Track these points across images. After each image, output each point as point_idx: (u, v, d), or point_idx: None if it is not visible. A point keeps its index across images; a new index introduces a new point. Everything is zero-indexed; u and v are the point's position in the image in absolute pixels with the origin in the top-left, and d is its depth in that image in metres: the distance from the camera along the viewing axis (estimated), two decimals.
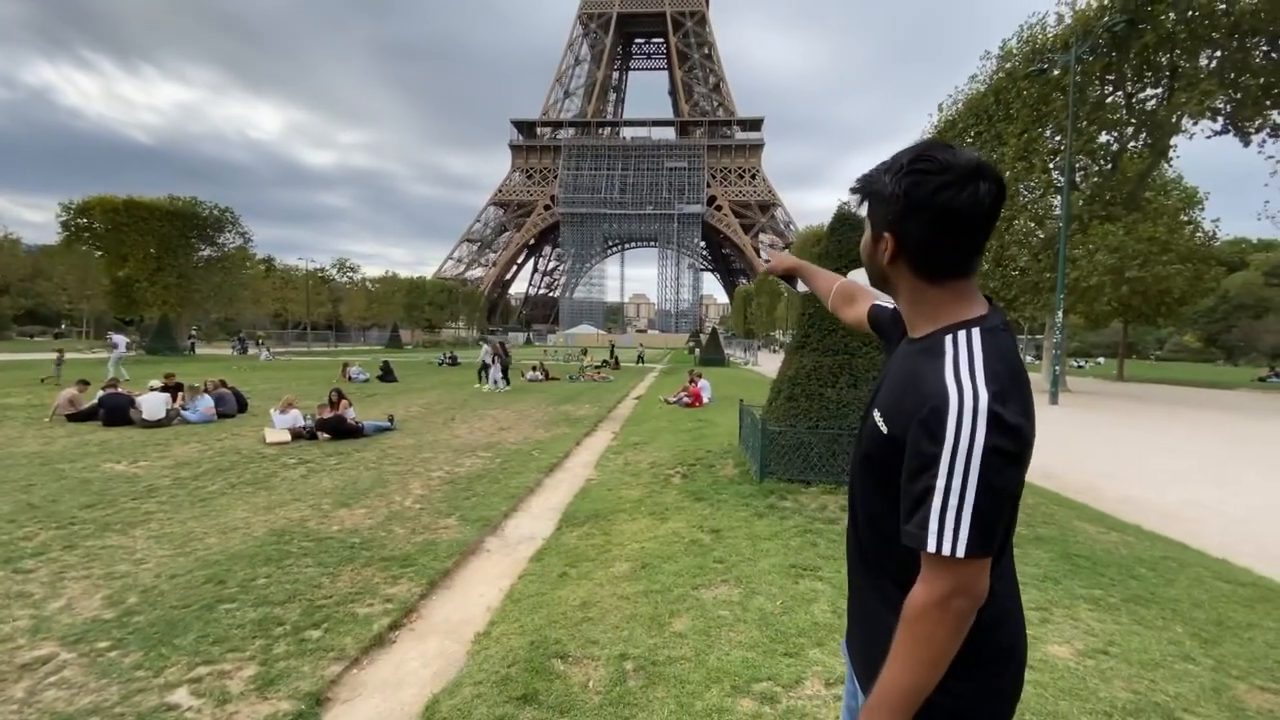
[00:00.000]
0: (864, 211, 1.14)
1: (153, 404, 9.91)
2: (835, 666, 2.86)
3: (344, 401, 9.65)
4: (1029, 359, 40.96)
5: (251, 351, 36.92)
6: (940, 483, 0.91)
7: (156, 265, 36.60)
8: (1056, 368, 18.24)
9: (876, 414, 1.07)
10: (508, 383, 17.33)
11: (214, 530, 4.90)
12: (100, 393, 10.49)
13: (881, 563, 1.09)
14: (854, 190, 1.15)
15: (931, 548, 0.91)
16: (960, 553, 0.90)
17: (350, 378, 19.34)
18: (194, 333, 33.99)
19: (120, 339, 20.74)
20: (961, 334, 1.01)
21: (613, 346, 38.03)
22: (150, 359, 29.60)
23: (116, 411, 9.87)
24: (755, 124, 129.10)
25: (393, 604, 3.66)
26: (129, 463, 7.30)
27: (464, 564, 4.51)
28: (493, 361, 17.05)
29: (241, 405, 11.58)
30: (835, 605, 3.49)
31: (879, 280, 1.16)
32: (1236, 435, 11.99)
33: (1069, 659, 3.04)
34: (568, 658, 3.02)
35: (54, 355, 19.63)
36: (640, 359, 36.23)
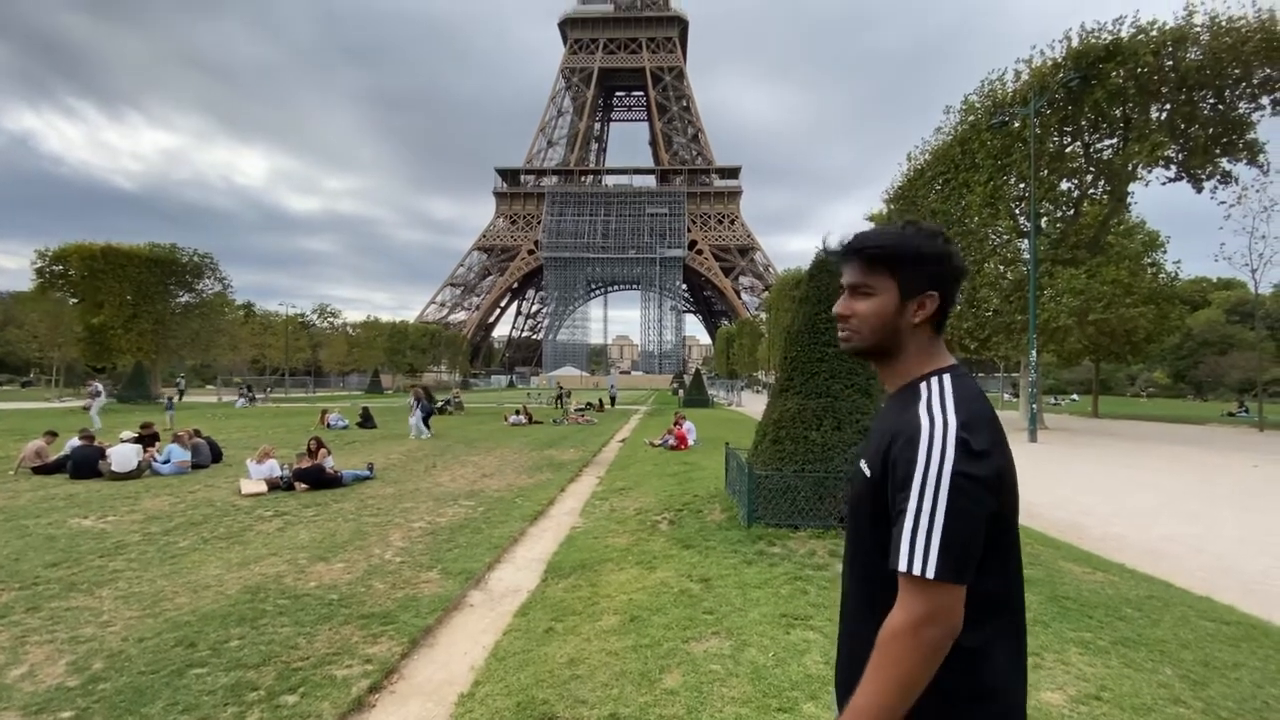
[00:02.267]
0: (861, 275, 1.17)
1: (123, 456, 9.63)
2: None
3: (323, 450, 9.48)
4: (1006, 396, 41.60)
5: (259, 398, 36.07)
6: (912, 505, 0.97)
7: (133, 312, 36.10)
8: (1033, 405, 18.56)
9: (863, 463, 1.15)
10: (428, 430, 16.65)
11: (185, 589, 4.72)
12: (74, 442, 10.19)
13: (873, 607, 1.10)
14: (873, 251, 1.15)
15: (903, 567, 0.95)
16: (930, 573, 0.93)
17: (329, 424, 19.02)
18: (181, 380, 33.23)
19: (98, 386, 20.57)
20: (934, 379, 1.12)
21: (612, 388, 37.49)
22: (122, 407, 28.87)
23: (85, 464, 9.57)
24: (733, 172, 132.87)
25: (372, 664, 3.53)
26: (97, 518, 7.05)
27: (447, 620, 4.38)
28: (414, 407, 16.66)
29: (216, 455, 11.29)
30: (827, 655, 3.45)
31: (888, 343, 1.17)
32: (1210, 469, 12.22)
33: (1063, 706, 3.02)
34: (556, 719, 2.93)
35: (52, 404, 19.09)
36: (604, 403, 31.62)
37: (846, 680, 1.16)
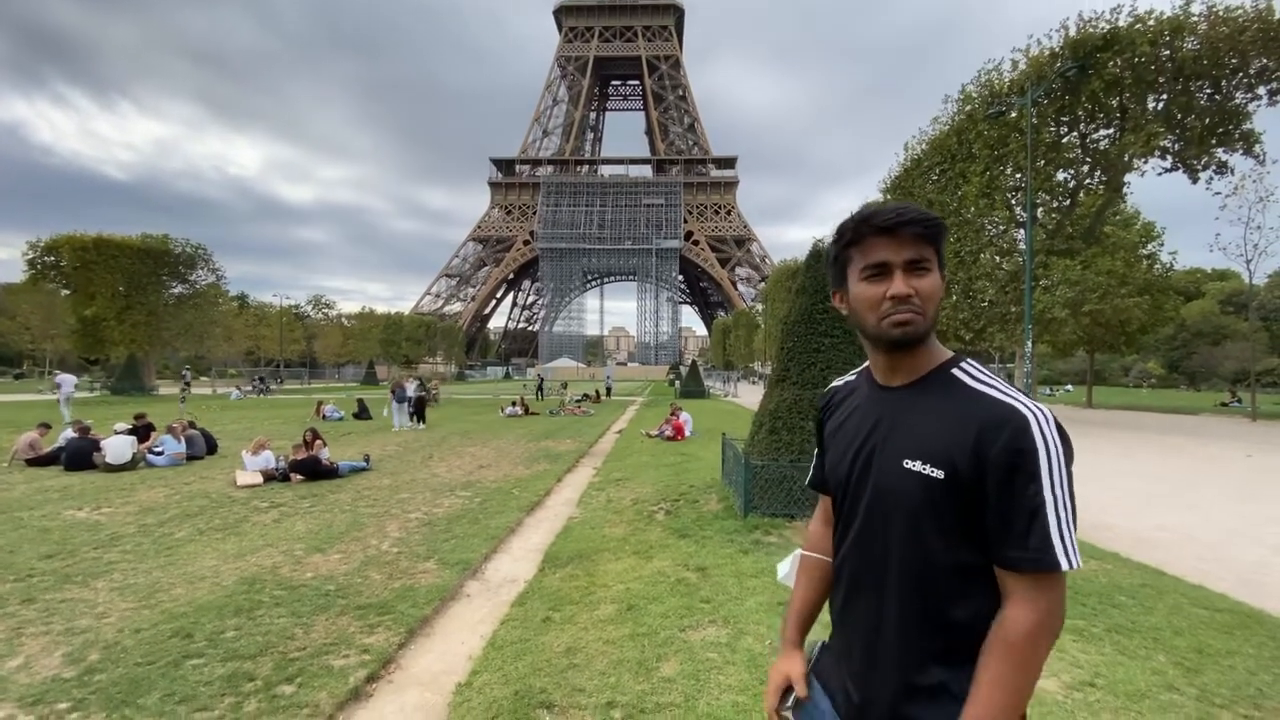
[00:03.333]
0: (918, 249, 1.06)
1: (117, 447, 9.58)
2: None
3: (318, 441, 9.45)
4: None
5: (272, 388, 35.93)
6: (1048, 498, 0.94)
7: (125, 304, 35.83)
8: None
9: (916, 464, 1.03)
10: (410, 422, 16.80)
11: (180, 580, 4.71)
12: (67, 434, 10.13)
13: (931, 619, 1.04)
14: (934, 224, 1.07)
15: (1064, 564, 0.93)
16: (1077, 564, 0.94)
17: (325, 416, 18.96)
18: (187, 372, 32.97)
19: (67, 378, 19.27)
20: (965, 364, 1.08)
21: (608, 379, 37.69)
22: (116, 399, 28.74)
23: (79, 456, 9.52)
24: (730, 162, 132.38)
25: (370, 655, 3.53)
26: (91, 509, 7.02)
27: (444, 610, 4.38)
28: (392, 398, 16.84)
29: (211, 447, 11.25)
30: None
31: (928, 329, 1.09)
32: (1202, 459, 12.31)
33: (1057, 693, 3.04)
34: (553, 707, 2.94)
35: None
36: (600, 394, 30.91)
37: (868, 679, 1.10)
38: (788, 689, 1.25)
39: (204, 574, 4.84)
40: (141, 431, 11.29)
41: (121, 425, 10.85)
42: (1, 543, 5.63)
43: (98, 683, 3.16)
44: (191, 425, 11.32)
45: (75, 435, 9.99)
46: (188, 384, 30.46)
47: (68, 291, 36.82)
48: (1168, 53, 18.27)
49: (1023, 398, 1.00)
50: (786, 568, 1.51)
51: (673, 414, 14.77)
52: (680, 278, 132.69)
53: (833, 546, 1.26)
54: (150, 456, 10.04)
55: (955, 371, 1.06)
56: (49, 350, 45.73)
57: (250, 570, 4.93)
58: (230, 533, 6.08)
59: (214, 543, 5.72)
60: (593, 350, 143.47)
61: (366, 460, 10.03)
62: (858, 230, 1.08)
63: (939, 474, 1.00)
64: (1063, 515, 0.94)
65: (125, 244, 35.95)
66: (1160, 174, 20.59)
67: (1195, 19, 18.15)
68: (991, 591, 1.00)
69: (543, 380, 30.47)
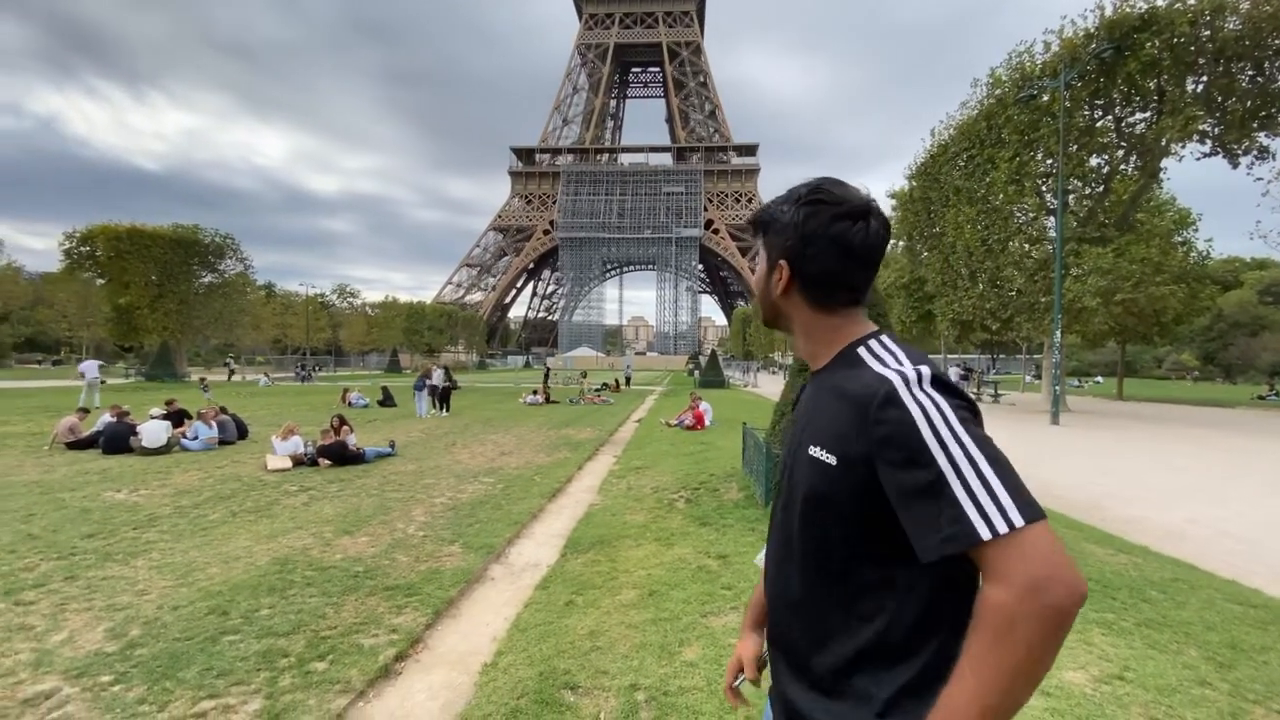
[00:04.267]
0: (759, 244, 1.12)
1: (153, 432, 9.87)
2: None
3: (345, 427, 9.63)
4: (1028, 378, 40.99)
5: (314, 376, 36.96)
6: (943, 465, 0.82)
7: (158, 292, 36.77)
8: (1056, 388, 18.28)
9: (814, 449, 0.97)
10: (435, 409, 17.31)
11: (216, 560, 4.86)
12: (106, 418, 10.46)
13: (838, 615, 0.97)
14: (751, 222, 1.13)
15: (984, 533, 0.78)
16: (1017, 519, 0.78)
17: (350, 403, 19.30)
18: (231, 359, 33.97)
19: (90, 365, 19.27)
20: (872, 341, 1.02)
21: (627, 368, 37.85)
22: (150, 385, 29.55)
23: (116, 439, 9.83)
24: (751, 149, 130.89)
25: (398, 634, 3.62)
26: (129, 491, 7.25)
27: (469, 593, 4.46)
28: (417, 387, 17.32)
29: (242, 432, 11.54)
30: None
31: (771, 315, 1.14)
32: (1237, 453, 11.97)
33: (1085, 685, 3.01)
34: (578, 689, 2.98)
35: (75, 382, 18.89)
36: (619, 383, 30.89)
37: (790, 646, 1.05)
38: (739, 670, 1.29)
39: (238, 554, 4.99)
40: (175, 417, 11.62)
41: (157, 410, 11.17)
42: (45, 523, 5.85)
43: (139, 657, 3.29)
44: (223, 411, 11.61)
45: (113, 419, 10.31)
46: (232, 372, 31.46)
47: (102, 281, 37.86)
48: (1208, 33, 17.60)
49: (899, 365, 0.93)
50: (762, 554, 1.48)
51: (693, 403, 14.77)
52: (700, 267, 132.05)
53: None
54: (184, 441, 10.33)
55: (860, 350, 1.01)
56: (85, 338, 47.11)
57: (282, 551, 5.07)
58: (262, 515, 6.24)
59: (247, 524, 5.89)
60: (612, 339, 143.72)
61: (392, 446, 10.21)
62: None
63: (832, 460, 0.93)
64: (970, 477, 0.81)
65: (158, 234, 36.83)
66: (1199, 159, 19.91)
67: None
68: (911, 596, 0.90)
69: (549, 370, 30.51)
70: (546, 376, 28.16)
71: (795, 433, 1.09)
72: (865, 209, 1.01)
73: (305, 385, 30.90)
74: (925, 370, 0.89)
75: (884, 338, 1.02)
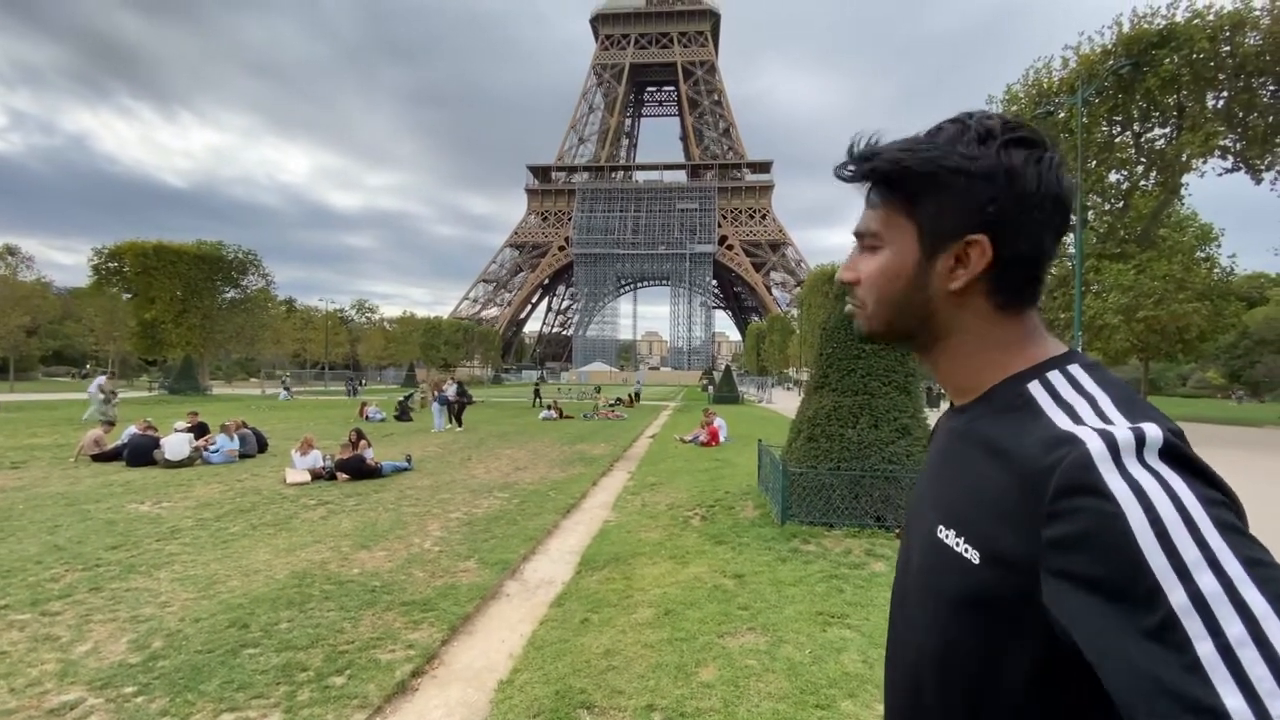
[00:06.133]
0: (884, 212, 0.71)
1: (176, 444, 10.04)
2: (868, 719, 2.79)
3: (363, 442, 9.72)
4: None
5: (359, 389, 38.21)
6: (1182, 603, 0.46)
7: (182, 307, 37.60)
8: None
9: (945, 533, 0.67)
10: (449, 424, 17.44)
11: (236, 572, 4.91)
12: (130, 431, 10.67)
13: None
14: (888, 174, 0.70)
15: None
16: None
17: (368, 417, 19.48)
18: (287, 376, 35.11)
19: (96, 383, 18.00)
20: (1055, 374, 0.66)
21: (638, 384, 37.99)
22: (173, 399, 30.06)
23: (140, 452, 10.01)
24: (765, 166, 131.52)
25: (415, 650, 3.63)
26: (153, 503, 7.37)
27: (484, 609, 4.47)
28: (439, 402, 17.43)
29: (262, 445, 11.69)
30: (865, 654, 3.41)
31: (911, 323, 0.73)
32: (1264, 474, 11.65)
33: None
34: (594, 708, 2.97)
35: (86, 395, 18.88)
36: (631, 399, 30.07)
37: None
38: None
39: (258, 567, 5.04)
40: (197, 430, 11.81)
41: (180, 424, 11.37)
42: (70, 534, 5.96)
43: (161, 669, 3.33)
44: (244, 424, 11.78)
45: (139, 433, 10.50)
46: (287, 389, 33.24)
47: (129, 296, 38.76)
48: (1228, 48, 17.51)
49: (1110, 419, 0.57)
50: None
51: (707, 419, 14.72)
52: (714, 282, 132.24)
53: None
54: (206, 453, 10.49)
55: (1033, 387, 0.65)
56: (111, 351, 48.08)
57: (301, 565, 5.12)
58: (281, 528, 6.31)
59: (266, 538, 5.95)
60: (625, 355, 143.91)
61: (408, 461, 10.28)
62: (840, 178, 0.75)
63: (973, 555, 0.62)
64: (1234, 632, 0.44)
65: (183, 250, 37.75)
66: (1220, 174, 19.74)
67: (1257, 13, 17.36)
68: None
69: (538, 388, 30.19)
70: (537, 393, 28.12)
71: (920, 493, 0.79)
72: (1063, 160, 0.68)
73: (351, 399, 31.83)
74: (1152, 431, 0.54)
75: (1076, 367, 0.66)
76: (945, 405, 0.85)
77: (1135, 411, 0.58)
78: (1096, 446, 0.53)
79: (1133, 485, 0.51)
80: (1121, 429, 0.54)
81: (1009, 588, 0.58)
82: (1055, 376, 0.65)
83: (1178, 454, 0.53)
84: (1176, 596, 0.46)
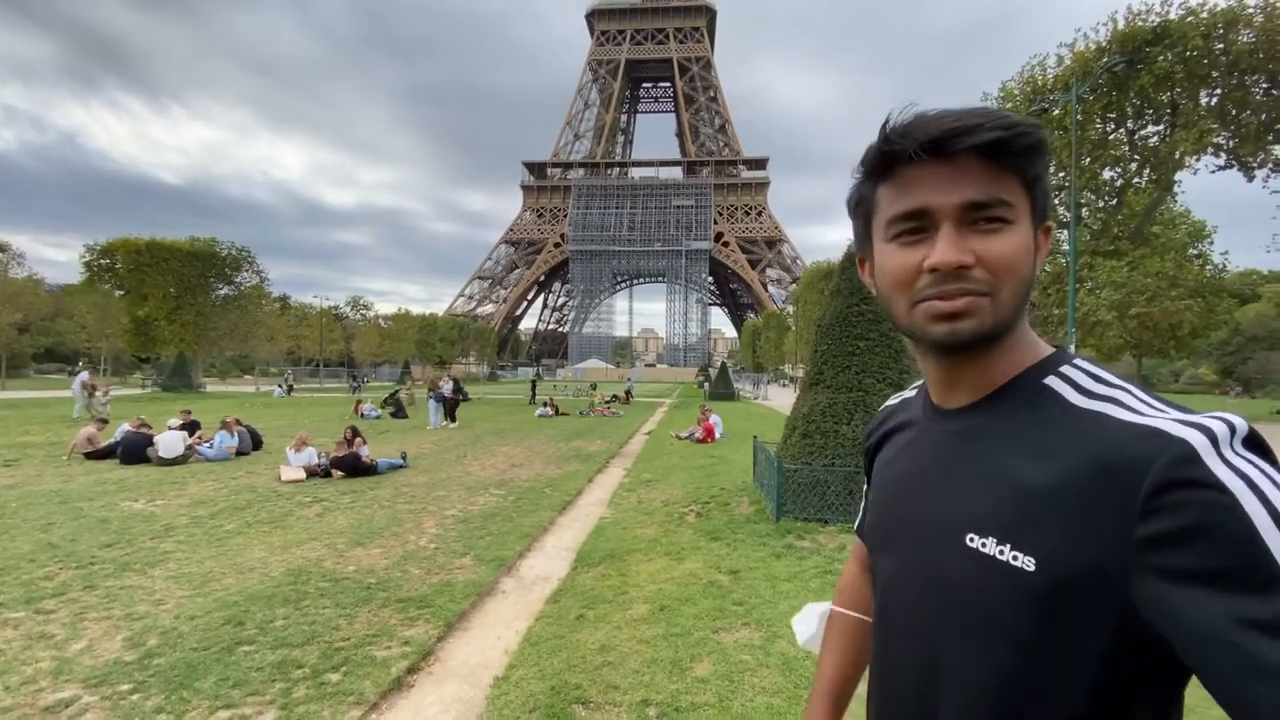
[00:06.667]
0: (988, 185, 0.61)
1: (169, 442, 10.00)
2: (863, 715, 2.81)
3: (358, 439, 9.71)
4: None
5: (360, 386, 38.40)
6: None
7: (175, 304, 37.39)
8: None
9: (987, 543, 0.61)
10: (445, 421, 17.18)
11: (231, 570, 4.91)
12: (123, 428, 10.62)
13: None
14: (1007, 141, 0.60)
15: None
16: None
17: (363, 414, 19.44)
18: (290, 372, 35.08)
19: (79, 379, 18.43)
20: (1067, 369, 0.65)
21: (630, 381, 38.02)
22: (166, 396, 29.92)
23: (134, 449, 9.96)
24: (761, 163, 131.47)
25: (410, 646, 3.64)
26: (146, 501, 7.35)
27: (480, 605, 4.48)
28: (434, 399, 17.25)
29: (256, 443, 11.65)
30: None
31: (1015, 322, 0.65)
32: None
33: None
34: (589, 703, 2.98)
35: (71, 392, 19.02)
36: (627, 395, 29.81)
37: None
38: None
39: (253, 565, 5.04)
40: (189, 426, 11.76)
41: (174, 421, 11.32)
42: (64, 532, 5.94)
43: (157, 666, 3.33)
44: (239, 422, 11.73)
45: (132, 430, 10.46)
46: (290, 387, 33.37)
47: (121, 293, 38.52)
48: (1221, 46, 17.61)
49: (1189, 413, 0.56)
50: (810, 627, 1.07)
51: (703, 416, 14.74)
52: (710, 279, 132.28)
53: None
54: (200, 448, 10.45)
55: (1052, 381, 0.64)
56: (104, 349, 47.81)
57: (296, 562, 5.11)
58: (276, 526, 6.30)
59: (261, 535, 5.94)
60: (622, 351, 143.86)
61: (404, 458, 10.27)
62: (884, 153, 0.64)
63: (1025, 563, 0.58)
64: None
65: (176, 247, 37.52)
66: (1214, 172, 19.86)
67: (1250, 10, 17.45)
68: None
69: (534, 383, 30.26)
70: (533, 389, 28.30)
71: (917, 507, 0.72)
72: None
73: (352, 396, 31.86)
74: (1239, 423, 0.54)
75: (1080, 360, 0.66)
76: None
77: (1169, 403, 0.58)
78: (1198, 439, 0.52)
79: (1241, 475, 0.50)
80: (1213, 421, 0.54)
81: (1079, 592, 0.55)
82: (1071, 371, 0.64)
83: (1262, 443, 0.53)
84: None
